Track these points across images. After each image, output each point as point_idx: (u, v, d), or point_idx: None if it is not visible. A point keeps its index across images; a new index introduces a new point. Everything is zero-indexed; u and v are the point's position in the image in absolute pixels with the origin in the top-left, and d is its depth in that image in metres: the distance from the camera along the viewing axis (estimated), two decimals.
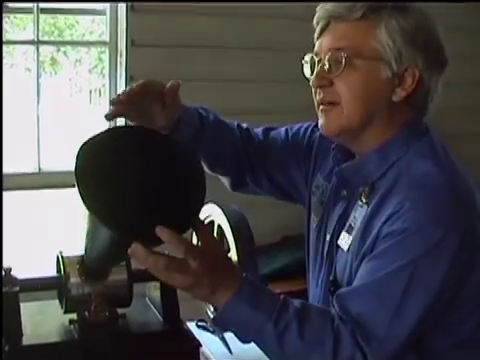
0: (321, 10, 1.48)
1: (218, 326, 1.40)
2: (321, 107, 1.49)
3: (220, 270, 1.31)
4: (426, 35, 1.43)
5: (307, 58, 1.50)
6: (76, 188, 1.22)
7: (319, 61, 1.46)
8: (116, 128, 1.40)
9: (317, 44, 1.49)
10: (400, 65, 1.42)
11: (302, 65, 1.52)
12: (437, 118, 1.51)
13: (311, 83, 1.48)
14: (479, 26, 3.86)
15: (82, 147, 1.30)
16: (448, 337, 1.42)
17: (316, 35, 1.50)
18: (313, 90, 1.50)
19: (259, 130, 1.76)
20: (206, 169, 1.61)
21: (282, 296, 1.35)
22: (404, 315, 1.32)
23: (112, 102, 1.49)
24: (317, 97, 1.49)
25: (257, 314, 1.31)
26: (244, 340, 1.36)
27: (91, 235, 1.37)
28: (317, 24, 1.49)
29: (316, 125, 1.67)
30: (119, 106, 1.49)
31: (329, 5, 1.46)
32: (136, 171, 1.29)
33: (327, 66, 1.44)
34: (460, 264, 1.35)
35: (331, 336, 1.31)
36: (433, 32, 1.45)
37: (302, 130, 1.74)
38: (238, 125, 1.74)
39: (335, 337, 1.31)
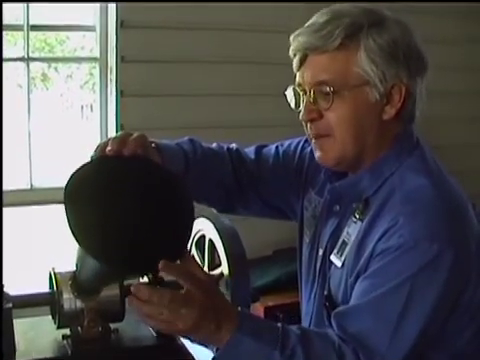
0: (295, 42, 1.45)
1: None
2: (314, 141, 1.49)
3: (221, 304, 1.30)
4: (405, 47, 1.43)
5: (290, 90, 1.50)
6: (67, 224, 1.22)
7: (304, 93, 1.45)
8: (106, 159, 1.38)
9: (298, 75, 1.48)
10: (386, 84, 1.41)
11: (285, 95, 1.51)
12: (430, 129, 1.52)
13: (300, 117, 1.47)
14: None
15: (70, 180, 1.29)
16: (446, 349, 1.42)
17: (295, 66, 1.48)
18: (303, 124, 1.49)
19: (251, 149, 1.76)
20: None
21: (279, 324, 1.35)
22: (404, 331, 1.32)
23: (99, 149, 1.41)
24: (309, 130, 1.48)
25: (262, 345, 1.30)
26: None
27: (81, 258, 1.38)
28: (294, 55, 1.47)
29: (306, 140, 1.68)
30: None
31: (303, 36, 1.43)
32: (128, 208, 1.29)
33: (313, 99, 1.43)
34: (456, 278, 1.35)
35: (335, 357, 1.31)
36: (411, 41, 1.44)
37: (293, 146, 1.74)
38: (228, 148, 1.74)
39: (339, 357, 1.31)
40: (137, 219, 1.28)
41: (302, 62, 1.46)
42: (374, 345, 1.32)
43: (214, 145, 1.72)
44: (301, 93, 1.47)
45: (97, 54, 3.34)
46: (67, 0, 3.25)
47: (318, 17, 1.44)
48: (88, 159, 1.39)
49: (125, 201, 1.30)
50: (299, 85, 1.47)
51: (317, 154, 1.50)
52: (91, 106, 4.12)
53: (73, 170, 1.32)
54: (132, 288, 1.23)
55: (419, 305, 1.33)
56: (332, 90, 1.41)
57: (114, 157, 1.37)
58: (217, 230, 1.66)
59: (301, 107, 1.47)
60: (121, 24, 3.20)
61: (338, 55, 1.41)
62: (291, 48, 1.47)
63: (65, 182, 1.29)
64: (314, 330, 1.43)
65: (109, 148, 1.37)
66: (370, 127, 1.45)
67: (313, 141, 1.50)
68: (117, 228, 1.26)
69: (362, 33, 1.41)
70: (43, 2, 3.25)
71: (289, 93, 1.50)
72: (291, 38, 1.46)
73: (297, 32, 1.46)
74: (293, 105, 1.50)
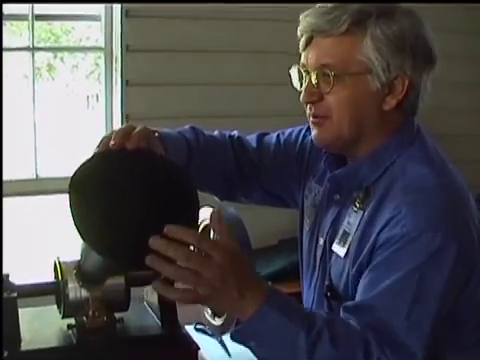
0: (303, 22, 1.45)
1: (239, 338, 1.30)
2: (312, 120, 1.49)
3: (245, 272, 1.25)
4: (413, 39, 1.42)
5: (294, 70, 1.50)
6: (71, 219, 1.22)
7: (307, 74, 1.46)
8: (109, 154, 1.37)
9: (303, 56, 1.48)
10: (389, 75, 1.41)
11: (289, 75, 1.51)
12: (433, 119, 1.52)
13: (301, 99, 1.47)
14: None
15: (74, 177, 1.28)
16: (449, 340, 1.42)
17: (301, 47, 1.48)
18: (304, 104, 1.50)
19: (252, 137, 1.76)
20: None
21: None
22: (416, 323, 1.31)
23: (103, 143, 1.39)
24: (308, 111, 1.49)
25: (289, 324, 1.26)
26: (262, 354, 1.31)
27: (86, 250, 1.38)
28: (301, 36, 1.47)
29: (308, 129, 1.68)
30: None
31: (311, 17, 1.44)
32: (133, 204, 1.27)
33: (315, 82, 1.43)
34: (461, 268, 1.35)
35: (361, 345, 1.28)
36: (419, 33, 1.43)
37: (294, 135, 1.74)
38: (230, 136, 1.74)
39: (365, 346, 1.28)
40: (142, 215, 1.27)
41: (308, 43, 1.46)
42: (390, 340, 1.29)
43: (216, 133, 1.73)
44: (304, 74, 1.46)
45: (102, 44, 3.34)
46: (70, 0, 3.24)
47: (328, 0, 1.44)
48: (92, 153, 1.38)
49: (129, 197, 1.29)
50: (303, 66, 1.47)
51: (313, 133, 1.51)
52: (97, 96, 4.13)
53: (77, 165, 1.31)
54: (150, 241, 1.18)
55: (430, 295, 1.32)
56: (334, 74, 1.40)
57: (117, 151, 1.36)
58: None
59: (303, 88, 1.47)
60: (126, 13, 3.20)
61: (343, 40, 1.41)
62: (299, 28, 1.47)
63: (70, 173, 1.28)
64: (339, 316, 1.40)
65: (112, 142, 1.35)
66: (369, 115, 1.44)
67: (311, 119, 1.49)
68: (122, 224, 1.25)
69: (370, 21, 1.40)
70: (44, 2, 3.24)
71: (293, 72, 1.50)
72: (300, 18, 1.46)
73: (306, 13, 1.46)
74: (297, 85, 1.50)
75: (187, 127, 1.66)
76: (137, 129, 1.38)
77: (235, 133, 1.75)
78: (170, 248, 1.18)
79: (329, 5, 1.42)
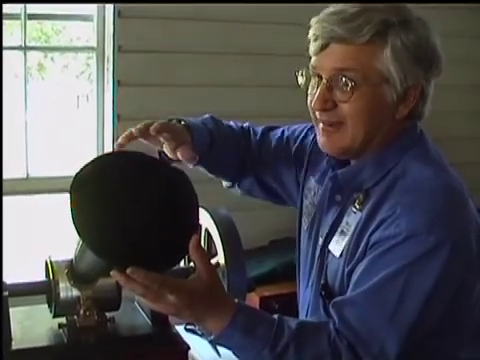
0: (319, 27, 1.40)
1: (216, 346, 1.43)
2: (322, 126, 1.46)
3: (208, 302, 1.31)
4: (428, 50, 1.41)
5: (302, 72, 1.46)
6: (72, 220, 1.23)
7: (319, 79, 1.42)
8: (107, 158, 1.38)
9: (315, 60, 1.44)
10: (405, 85, 1.40)
11: (296, 75, 1.48)
12: (438, 122, 1.51)
13: (312, 105, 1.44)
14: None
15: (77, 175, 1.29)
16: (448, 340, 1.40)
17: (313, 51, 1.43)
18: (311, 110, 1.47)
19: (259, 129, 1.78)
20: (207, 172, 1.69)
21: (277, 317, 1.35)
22: (401, 321, 1.31)
23: (121, 144, 1.42)
24: (319, 117, 1.46)
25: (252, 342, 1.32)
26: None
27: (82, 251, 1.38)
28: (315, 40, 1.42)
29: (311, 127, 1.67)
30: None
31: (329, 24, 1.38)
32: (134, 209, 1.29)
33: (330, 88, 1.40)
34: (454, 270, 1.34)
35: (329, 354, 1.31)
36: (434, 44, 1.42)
37: (297, 131, 1.73)
38: (241, 127, 1.77)
39: (333, 354, 1.31)
40: (140, 218, 1.27)
41: (323, 48, 1.41)
42: (372, 335, 1.32)
43: (231, 123, 1.76)
44: (316, 78, 1.44)
45: (94, 44, 3.33)
46: (68, 0, 3.24)
47: (346, 6, 1.39)
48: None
49: (129, 200, 1.30)
50: (313, 69, 1.44)
51: (322, 140, 1.48)
52: (87, 96, 4.12)
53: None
54: (112, 273, 1.25)
55: (416, 295, 1.32)
56: (352, 84, 1.38)
57: (121, 154, 1.37)
58: (213, 220, 1.66)
59: (312, 91, 1.45)
60: (118, 14, 3.19)
61: (363, 49, 1.38)
62: (312, 32, 1.42)
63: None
64: (312, 324, 1.41)
65: (120, 141, 1.41)
66: (382, 124, 1.43)
67: (321, 126, 1.47)
68: (119, 226, 1.26)
69: (390, 31, 1.37)
70: (44, 3, 3.24)
71: (300, 74, 1.47)
72: (313, 21, 1.42)
73: (322, 17, 1.41)
74: (303, 86, 1.47)
75: (208, 117, 1.69)
76: (154, 125, 1.44)
77: (246, 125, 1.79)
78: (128, 284, 1.25)
79: (349, 11, 1.38)
